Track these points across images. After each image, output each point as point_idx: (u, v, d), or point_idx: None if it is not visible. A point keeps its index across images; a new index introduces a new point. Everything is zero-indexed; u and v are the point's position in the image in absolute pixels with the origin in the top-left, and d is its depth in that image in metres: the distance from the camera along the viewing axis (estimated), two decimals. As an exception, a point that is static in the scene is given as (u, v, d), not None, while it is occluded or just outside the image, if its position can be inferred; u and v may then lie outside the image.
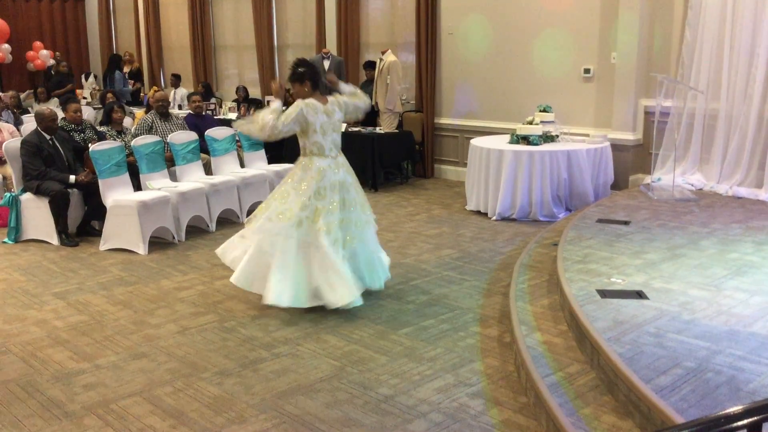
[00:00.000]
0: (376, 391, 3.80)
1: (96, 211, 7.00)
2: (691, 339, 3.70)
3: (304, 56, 11.39)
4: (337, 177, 4.89)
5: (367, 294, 5.07)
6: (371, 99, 9.62)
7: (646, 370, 3.35)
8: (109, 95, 10.13)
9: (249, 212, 7.74)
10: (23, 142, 6.97)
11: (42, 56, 15.04)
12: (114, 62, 13.73)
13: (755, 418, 1.83)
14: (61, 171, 6.94)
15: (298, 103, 4.80)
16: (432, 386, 3.84)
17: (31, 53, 15.23)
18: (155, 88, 12.00)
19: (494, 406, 3.61)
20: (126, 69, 13.40)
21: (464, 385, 3.85)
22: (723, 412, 1.87)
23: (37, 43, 15.33)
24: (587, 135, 7.98)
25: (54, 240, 6.90)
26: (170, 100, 10.83)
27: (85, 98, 13.39)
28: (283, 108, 4.90)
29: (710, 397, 3.09)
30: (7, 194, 7.07)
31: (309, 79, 4.87)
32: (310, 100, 4.82)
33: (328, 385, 3.88)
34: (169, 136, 7.58)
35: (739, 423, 1.82)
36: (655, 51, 7.93)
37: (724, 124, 7.44)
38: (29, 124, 8.74)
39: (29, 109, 11.72)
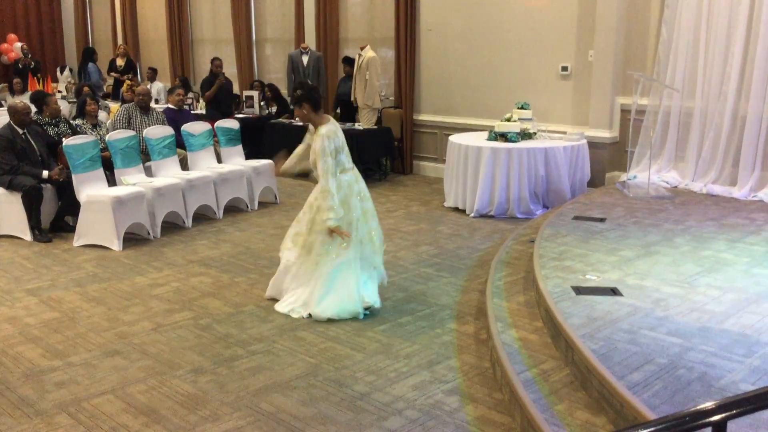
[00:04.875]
0: (352, 388, 3.80)
1: (70, 206, 6.90)
2: (663, 335, 3.73)
3: (283, 50, 11.52)
4: (359, 186, 4.91)
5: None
6: (350, 95, 9.67)
7: (619, 366, 3.38)
8: (85, 89, 9.99)
9: (226, 208, 7.72)
10: (-5, 136, 6.86)
11: (16, 49, 14.79)
12: (87, 55, 13.50)
13: (724, 414, 1.85)
14: (34, 166, 6.83)
15: (317, 139, 4.67)
16: (408, 383, 3.84)
17: (5, 46, 14.98)
18: (128, 82, 11.81)
19: (469, 402, 3.62)
20: (120, 62, 13.09)
21: (440, 381, 3.85)
22: (692, 409, 1.88)
23: (12, 36, 15.08)
24: (564, 132, 8.02)
25: (27, 236, 6.79)
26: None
27: (60, 92, 13.18)
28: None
29: (682, 393, 3.12)
30: (-21, 189, 6.96)
31: (306, 101, 4.70)
32: (327, 128, 4.71)
33: (303, 382, 3.87)
34: (145, 130, 7.49)
35: (709, 419, 1.84)
36: (632, 49, 7.99)
37: (699, 122, 7.51)
38: (1, 117, 8.58)
39: (2, 102, 11.52)
